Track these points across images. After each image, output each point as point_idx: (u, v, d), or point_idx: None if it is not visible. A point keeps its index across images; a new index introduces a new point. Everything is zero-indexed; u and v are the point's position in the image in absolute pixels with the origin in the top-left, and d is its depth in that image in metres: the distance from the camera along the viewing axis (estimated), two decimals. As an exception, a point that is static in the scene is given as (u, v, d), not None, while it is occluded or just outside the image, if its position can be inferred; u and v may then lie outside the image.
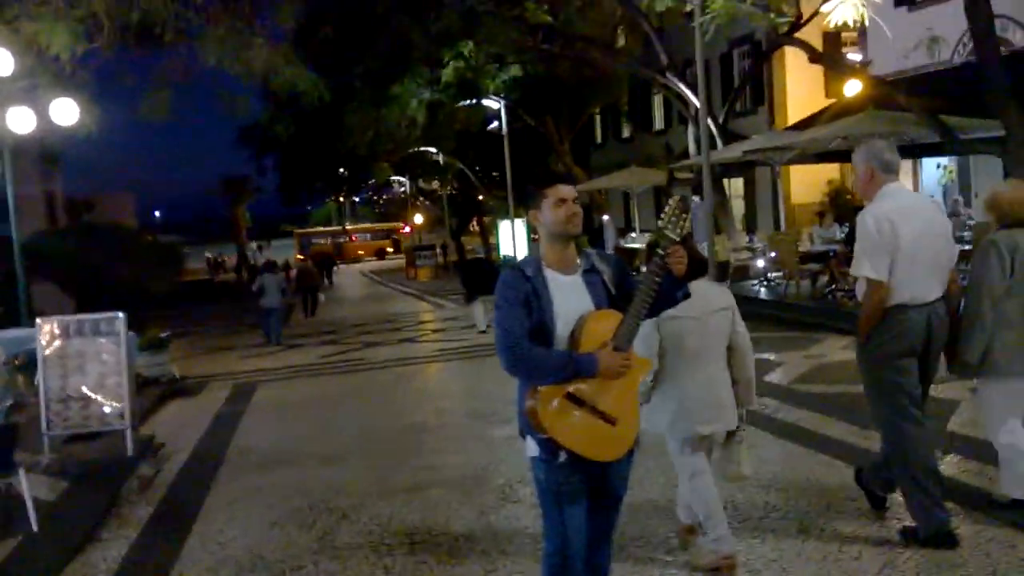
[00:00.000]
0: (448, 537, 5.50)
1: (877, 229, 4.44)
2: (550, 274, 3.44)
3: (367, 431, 8.88)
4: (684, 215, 3.34)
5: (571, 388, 3.30)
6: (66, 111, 11.57)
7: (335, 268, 46.74)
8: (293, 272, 30.48)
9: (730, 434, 4.61)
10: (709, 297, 4.46)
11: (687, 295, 3.52)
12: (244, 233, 64.08)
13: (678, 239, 3.32)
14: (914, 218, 4.50)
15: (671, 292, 3.43)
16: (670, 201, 3.38)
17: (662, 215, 3.35)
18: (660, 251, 3.31)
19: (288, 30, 17.44)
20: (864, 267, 4.49)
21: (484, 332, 15.24)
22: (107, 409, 8.19)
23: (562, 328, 3.37)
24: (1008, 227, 4.75)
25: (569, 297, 3.41)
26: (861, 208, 4.72)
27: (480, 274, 16.25)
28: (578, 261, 3.50)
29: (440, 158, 34.83)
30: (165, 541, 5.99)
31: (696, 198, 17.95)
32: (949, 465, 6.00)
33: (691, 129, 20.39)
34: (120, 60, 15.91)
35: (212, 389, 12.53)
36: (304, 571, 5.19)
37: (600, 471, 3.47)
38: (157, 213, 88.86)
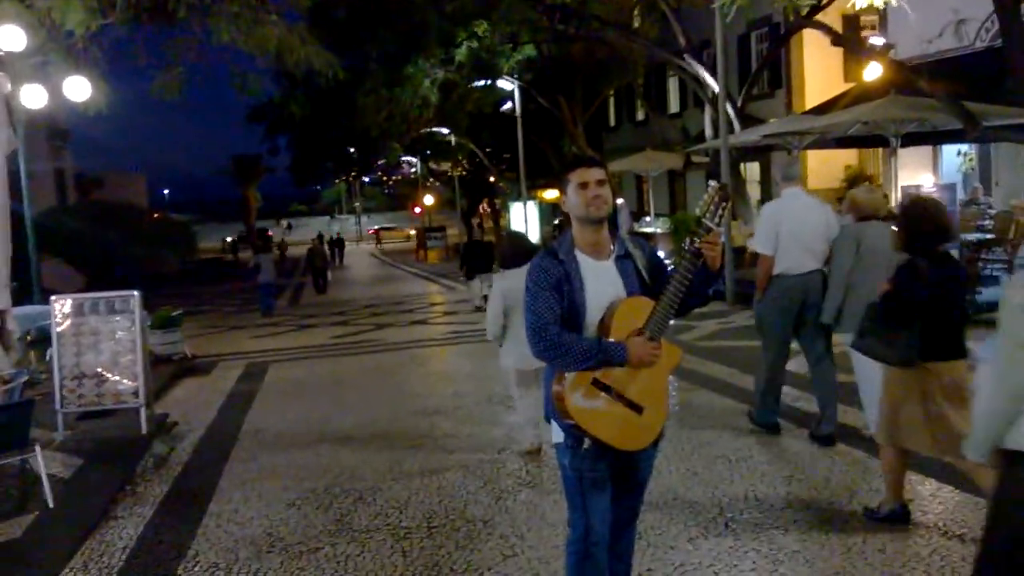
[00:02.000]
0: (466, 521, 5.45)
1: (768, 218, 6.47)
2: (582, 258, 3.37)
3: (381, 413, 8.82)
4: (724, 204, 3.27)
5: (598, 375, 3.24)
6: (78, 88, 11.52)
7: (344, 248, 47.18)
8: (288, 250, 30.99)
9: None
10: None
11: (720, 292, 3.44)
12: (254, 213, 64.16)
13: (716, 228, 3.24)
14: (796, 213, 6.40)
15: (701, 287, 3.35)
16: (709, 189, 3.32)
17: (700, 203, 3.29)
18: (697, 240, 3.23)
19: (303, 8, 17.29)
20: (758, 245, 6.46)
21: (480, 308, 15.44)
22: (121, 387, 8.17)
23: (593, 314, 3.31)
24: (861, 220, 6.10)
25: (601, 282, 3.35)
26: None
27: (479, 254, 16.99)
28: (611, 246, 3.43)
29: (452, 139, 34.68)
30: (181, 520, 5.95)
31: (712, 183, 17.80)
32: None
33: (708, 112, 20.20)
34: (132, 37, 15.81)
35: (224, 368, 12.50)
36: (322, 552, 5.15)
37: (625, 459, 3.42)
38: (167, 192, 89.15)
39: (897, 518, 4.85)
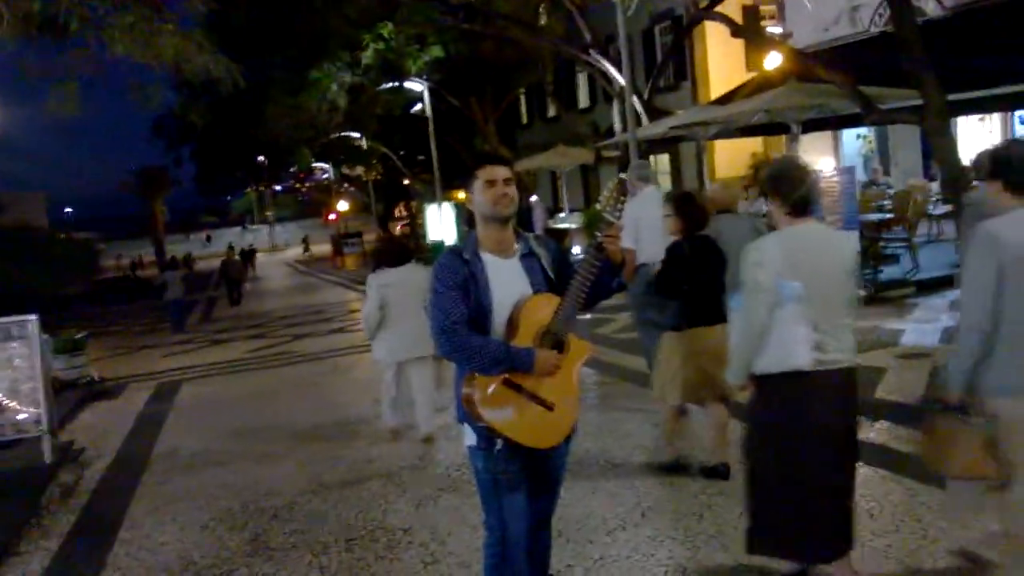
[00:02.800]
0: (386, 531, 5.35)
1: (629, 215, 6.34)
2: (488, 257, 3.35)
3: (299, 427, 8.63)
4: (623, 197, 3.27)
5: (508, 375, 3.21)
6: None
7: (255, 257, 46.60)
8: (198, 265, 30.62)
9: (436, 358, 7.13)
10: (415, 271, 7.37)
11: (623, 286, 3.45)
12: (162, 228, 62.38)
13: (617, 221, 3.23)
14: (649, 209, 6.72)
15: (606, 279, 3.36)
16: (608, 184, 3.30)
17: (600, 198, 3.28)
18: (597, 234, 3.22)
19: (200, 15, 16.85)
20: (623, 241, 6.39)
21: None
22: (22, 416, 7.84)
23: (499, 312, 3.29)
24: (719, 213, 6.43)
25: (507, 281, 3.33)
26: None
27: (396, 253, 16.73)
28: (516, 244, 3.40)
29: (363, 143, 34.30)
30: (90, 550, 5.73)
31: (624, 175, 17.99)
32: (879, 432, 6.07)
33: (616, 106, 20.40)
34: (23, 53, 15.18)
35: (134, 390, 12.10)
36: (237, 574, 5.00)
37: (539, 457, 3.40)
38: (69, 210, 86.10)
39: (677, 470, 5.66)
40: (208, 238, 72.70)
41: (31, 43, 15.03)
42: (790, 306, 3.56)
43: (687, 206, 5.53)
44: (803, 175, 3.77)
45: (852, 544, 3.74)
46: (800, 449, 3.63)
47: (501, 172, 3.32)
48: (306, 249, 61.19)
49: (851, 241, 3.99)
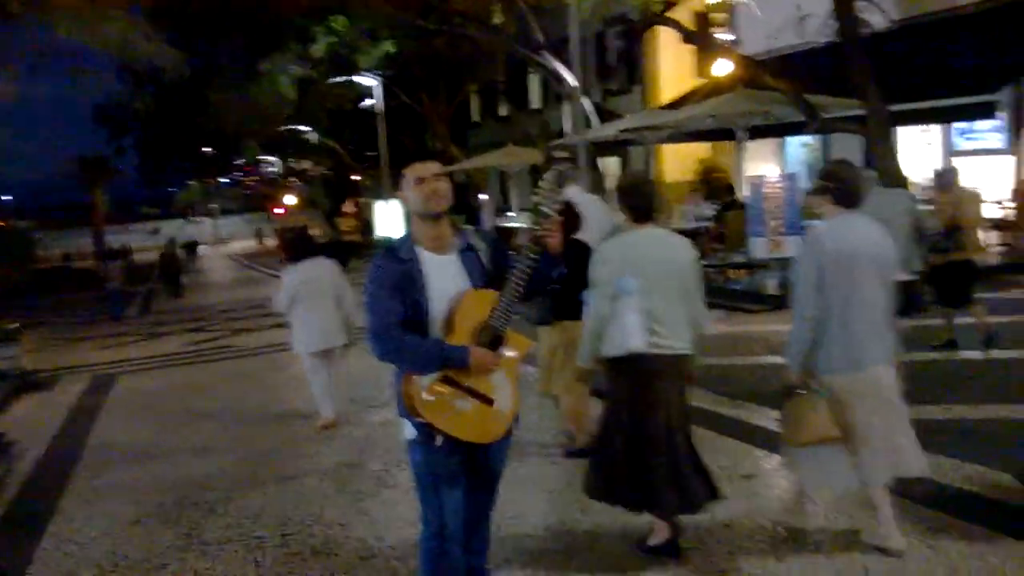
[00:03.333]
0: (322, 527, 5.28)
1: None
2: (424, 254, 3.32)
3: (237, 421, 8.49)
4: (560, 191, 3.26)
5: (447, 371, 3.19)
6: None
7: (197, 249, 46.07)
8: (136, 256, 30.49)
9: (346, 347, 7.83)
10: (324, 265, 7.78)
11: (563, 274, 3.44)
12: (102, 218, 61.02)
13: (554, 214, 3.22)
14: (590, 209, 6.52)
15: (547, 270, 3.35)
16: (546, 177, 3.29)
17: (537, 191, 3.27)
18: (534, 227, 3.22)
19: (147, 2, 16.54)
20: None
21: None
22: (-53, 406, 7.55)
23: (437, 310, 3.27)
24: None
25: (444, 277, 3.30)
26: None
27: (333, 253, 17.22)
28: (454, 240, 3.37)
29: (313, 137, 33.94)
30: (16, 544, 5.57)
31: (561, 168, 18.07)
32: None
33: (567, 108, 20.47)
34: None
35: (68, 382, 11.80)
36: (168, 569, 4.89)
37: (478, 452, 3.39)
38: (7, 198, 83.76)
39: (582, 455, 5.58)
40: (156, 230, 71.31)
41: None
42: (627, 298, 4.17)
43: (564, 213, 5.68)
44: (646, 188, 4.45)
45: (692, 507, 4.30)
46: (637, 418, 4.23)
47: (431, 168, 3.31)
48: (260, 242, 60.40)
49: (687, 245, 4.39)
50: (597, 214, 6.78)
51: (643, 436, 4.21)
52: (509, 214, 24.97)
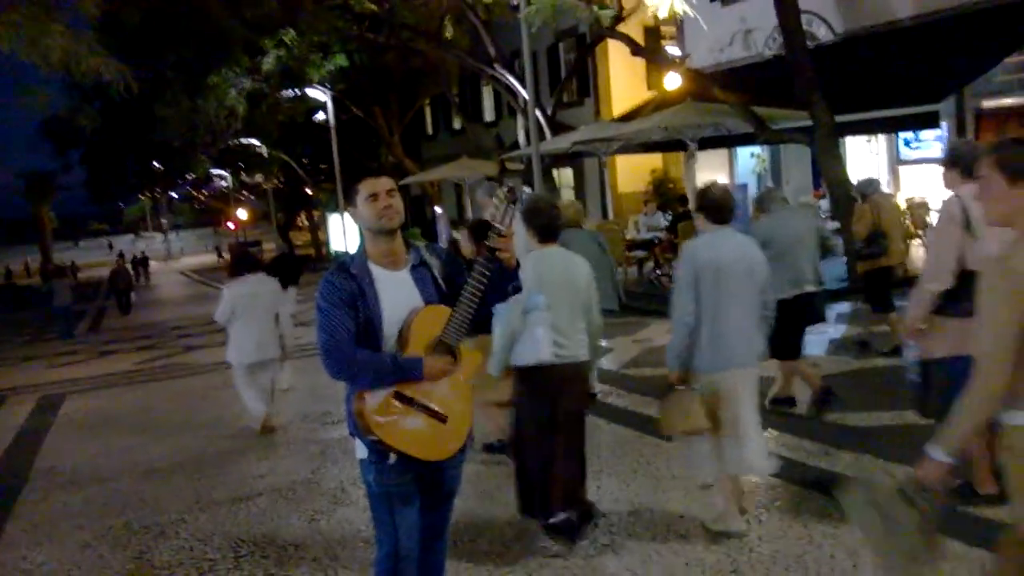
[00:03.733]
0: (276, 547, 5.22)
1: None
2: (376, 271, 3.28)
3: (189, 441, 8.34)
4: (512, 206, 3.27)
5: (399, 387, 3.17)
6: None
7: (149, 265, 45.53)
8: (84, 273, 30.26)
9: (280, 360, 8.39)
10: (263, 281, 8.22)
11: (518, 288, 3.44)
12: (49, 234, 59.82)
13: (505, 230, 3.23)
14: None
15: (501, 284, 3.34)
16: (498, 192, 3.29)
17: (491, 207, 3.26)
18: (488, 243, 3.21)
19: (92, 16, 16.25)
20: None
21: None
22: None
23: (389, 327, 3.24)
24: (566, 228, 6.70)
25: (397, 294, 3.27)
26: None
27: (286, 266, 17.81)
28: (406, 256, 3.35)
29: (264, 150, 33.63)
30: (-42, 573, 5.40)
31: (527, 188, 18.15)
32: (767, 440, 6.24)
33: (520, 120, 20.56)
34: None
35: (14, 403, 11.53)
36: (118, 596, 4.78)
37: (432, 469, 3.36)
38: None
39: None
40: (110, 245, 70.20)
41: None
42: (536, 312, 4.50)
43: (480, 232, 6.03)
44: (549, 210, 4.83)
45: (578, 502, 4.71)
46: (543, 424, 4.61)
47: (384, 184, 3.26)
48: (220, 256, 59.64)
49: (586, 264, 4.81)
50: (520, 231, 6.90)
51: (553, 440, 4.61)
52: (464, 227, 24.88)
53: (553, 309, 4.53)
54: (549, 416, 4.60)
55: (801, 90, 12.35)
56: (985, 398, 2.63)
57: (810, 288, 6.62)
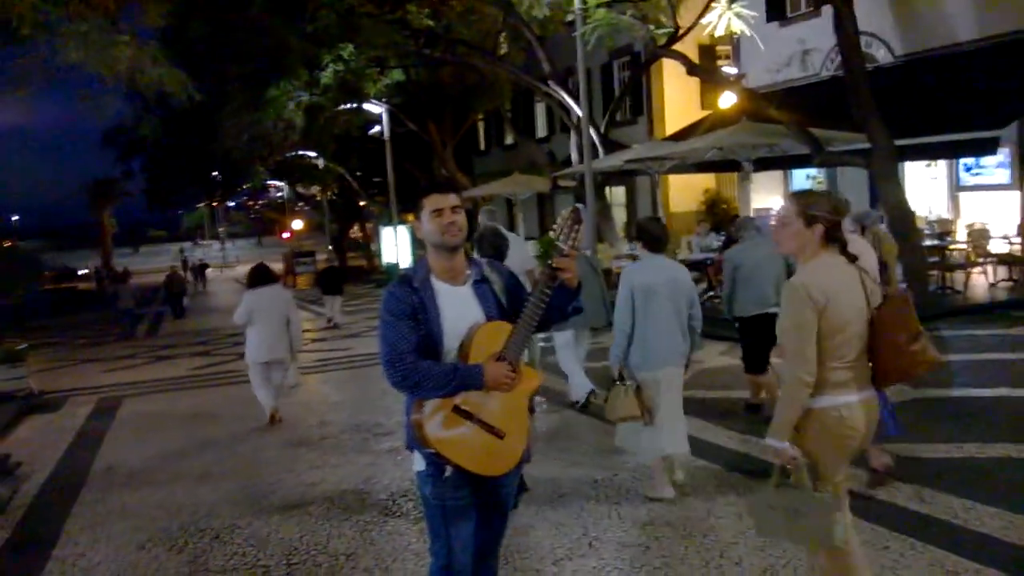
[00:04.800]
0: (328, 556, 5.28)
1: None
2: (438, 285, 3.32)
3: (243, 447, 8.50)
4: (576, 226, 3.29)
5: (458, 401, 3.19)
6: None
7: (207, 272, 46.44)
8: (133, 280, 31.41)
9: (290, 361, 9.44)
10: (277, 291, 9.48)
11: (579, 309, 3.46)
12: (110, 239, 61.33)
13: (568, 250, 3.26)
14: (514, 242, 7.24)
15: (563, 304, 3.37)
16: (563, 212, 3.32)
17: (554, 226, 3.30)
18: (550, 263, 3.25)
19: (156, 28, 16.70)
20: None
21: (333, 324, 19.11)
22: (-46, 428, 7.61)
23: (450, 341, 3.26)
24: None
25: (458, 308, 3.30)
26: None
27: (332, 278, 20.54)
28: (468, 271, 3.39)
29: (320, 162, 34.15)
30: (22, 569, 5.59)
31: (580, 205, 18.18)
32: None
33: (573, 137, 20.61)
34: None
35: (74, 404, 11.82)
36: (174, 597, 4.89)
37: (488, 485, 3.37)
38: (16, 218, 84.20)
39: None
40: (181, 251, 71.62)
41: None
42: None
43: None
44: (495, 239, 6.18)
45: None
46: None
47: (450, 200, 3.28)
48: (288, 271, 60.57)
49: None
50: (517, 247, 7.76)
51: None
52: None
53: None
54: None
55: (859, 112, 12.20)
56: (798, 389, 3.38)
57: (772, 310, 6.96)
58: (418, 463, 3.35)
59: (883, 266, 8.81)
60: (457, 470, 3.24)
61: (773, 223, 3.67)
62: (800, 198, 3.56)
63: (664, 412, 5.60)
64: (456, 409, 3.20)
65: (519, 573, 4.75)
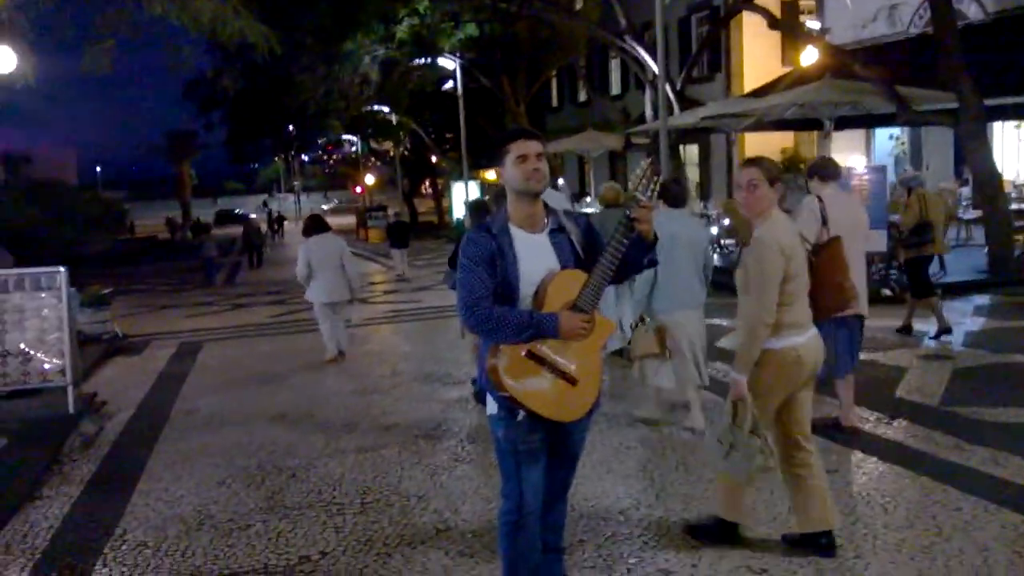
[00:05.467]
0: (400, 497, 5.42)
1: None
2: (516, 232, 3.35)
3: (317, 392, 8.73)
4: (655, 178, 3.29)
5: (532, 347, 3.24)
6: (3, 60, 11.10)
7: (284, 224, 47.34)
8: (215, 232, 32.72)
9: (349, 302, 10.41)
10: (331, 239, 10.20)
11: (654, 262, 3.46)
12: (189, 191, 62.79)
13: (647, 202, 3.25)
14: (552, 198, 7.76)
15: (638, 256, 3.37)
16: (642, 163, 3.32)
17: (633, 177, 3.30)
18: (628, 212, 3.24)
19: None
20: None
21: (402, 278, 20.07)
22: (48, 365, 7.96)
23: (526, 287, 3.30)
24: (607, 208, 8.61)
25: (535, 256, 3.33)
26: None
27: (400, 232, 21.82)
28: (546, 220, 3.41)
29: (393, 117, 34.36)
30: (109, 499, 5.82)
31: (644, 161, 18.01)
32: (896, 430, 6.09)
33: (648, 94, 20.32)
34: (60, 7, 15.28)
35: (156, 348, 12.25)
36: (253, 530, 5.07)
37: (559, 430, 3.42)
38: (99, 169, 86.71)
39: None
40: (265, 203, 73.01)
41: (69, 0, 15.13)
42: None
43: (478, 212, 7.40)
44: (478, 205, 6.94)
45: None
46: None
47: (533, 147, 3.30)
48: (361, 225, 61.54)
49: None
50: (558, 201, 7.62)
51: None
52: (587, 199, 24.85)
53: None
54: None
55: (948, 71, 11.76)
56: (761, 330, 3.87)
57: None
58: (491, 406, 3.41)
59: (928, 224, 9.14)
60: (529, 415, 3.29)
61: (743, 190, 4.02)
62: (760, 163, 4.02)
63: (684, 349, 6.22)
64: (530, 355, 3.24)
65: (586, 519, 4.81)
